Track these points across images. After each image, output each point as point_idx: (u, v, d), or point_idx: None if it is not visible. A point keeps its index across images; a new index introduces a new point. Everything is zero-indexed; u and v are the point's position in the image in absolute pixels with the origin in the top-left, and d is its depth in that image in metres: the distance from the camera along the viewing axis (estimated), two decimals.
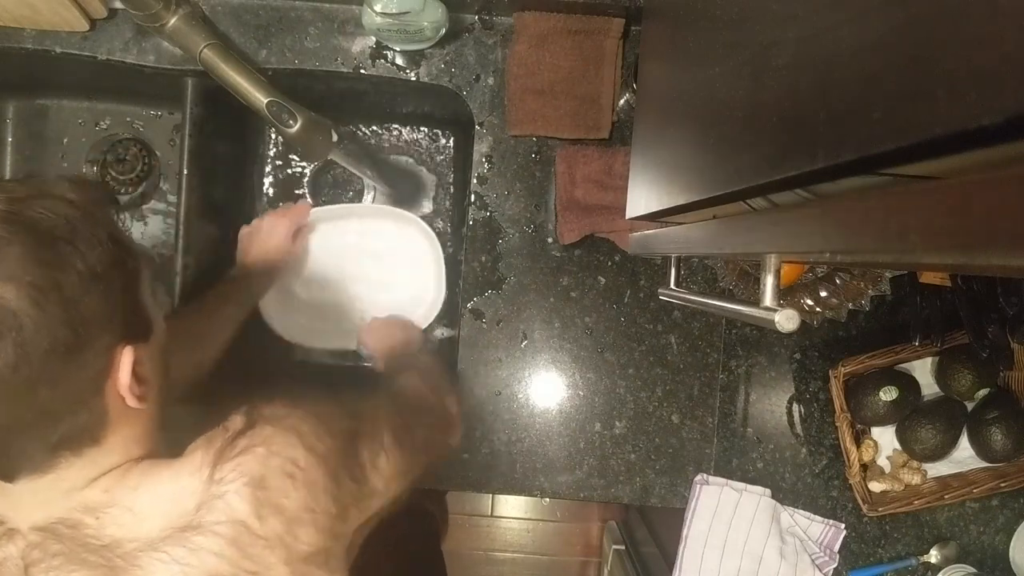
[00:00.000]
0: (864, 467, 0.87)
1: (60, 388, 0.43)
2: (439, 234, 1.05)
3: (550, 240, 0.87)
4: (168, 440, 0.53)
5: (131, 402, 0.47)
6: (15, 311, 0.40)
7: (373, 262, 1.00)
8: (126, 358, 0.46)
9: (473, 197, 0.87)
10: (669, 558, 0.98)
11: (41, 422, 0.43)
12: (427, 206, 1.05)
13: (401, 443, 0.60)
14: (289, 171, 1.04)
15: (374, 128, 1.04)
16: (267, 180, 1.04)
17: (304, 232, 0.96)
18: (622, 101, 0.86)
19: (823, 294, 0.82)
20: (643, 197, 0.56)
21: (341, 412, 0.56)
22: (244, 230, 0.92)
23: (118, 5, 0.81)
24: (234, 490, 0.46)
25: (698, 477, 0.88)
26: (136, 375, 0.47)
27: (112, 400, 0.47)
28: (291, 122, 0.73)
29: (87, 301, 0.43)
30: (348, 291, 1.00)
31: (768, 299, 0.35)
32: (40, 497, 0.46)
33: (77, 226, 0.44)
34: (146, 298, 0.50)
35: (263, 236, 0.90)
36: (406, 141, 1.04)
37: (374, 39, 0.84)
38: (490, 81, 0.86)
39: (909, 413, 0.86)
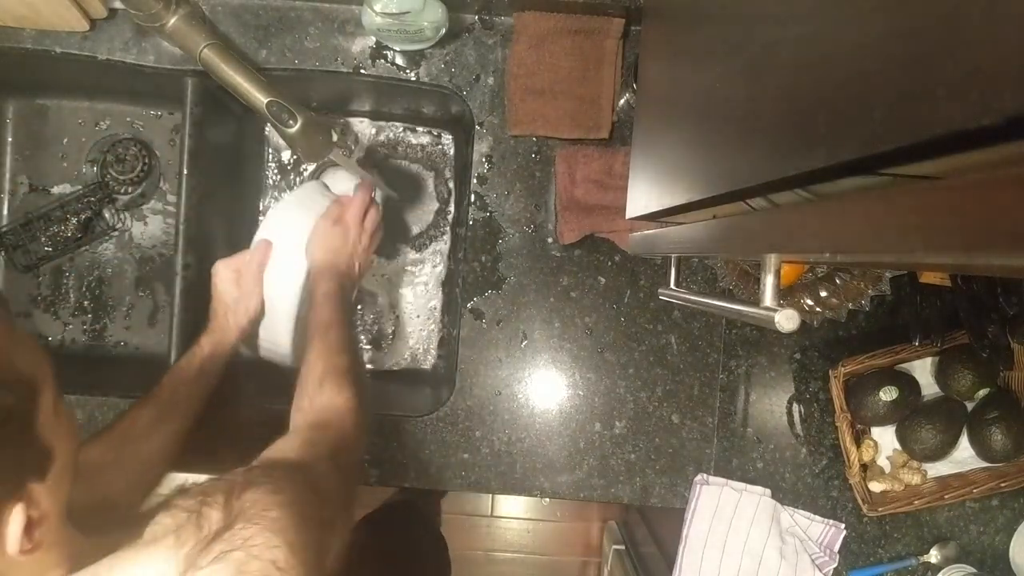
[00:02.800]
0: (864, 467, 0.87)
1: None
2: (439, 234, 1.05)
3: (550, 240, 0.87)
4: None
5: (23, 557, 0.41)
6: None
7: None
8: (14, 524, 0.39)
9: (473, 197, 0.87)
10: (669, 558, 0.98)
11: None
12: (427, 206, 1.05)
13: (348, 506, 0.58)
14: (288, 171, 1.04)
15: (374, 128, 1.04)
16: (266, 180, 1.04)
17: (247, 276, 0.81)
18: (622, 101, 0.86)
19: (823, 294, 0.82)
20: (643, 197, 0.56)
21: (313, 497, 0.51)
22: (226, 276, 0.80)
23: (118, 5, 0.82)
24: None
25: (698, 477, 0.88)
26: (31, 523, 0.40)
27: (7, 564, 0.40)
28: (291, 122, 0.73)
29: None
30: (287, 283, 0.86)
31: (768, 299, 0.35)
32: None
33: None
34: (46, 416, 0.42)
35: (214, 285, 0.81)
36: (406, 141, 1.04)
37: (374, 39, 0.84)
38: (490, 81, 0.86)
39: (909, 413, 0.86)
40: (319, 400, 0.65)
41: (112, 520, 0.52)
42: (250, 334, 0.83)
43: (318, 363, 0.68)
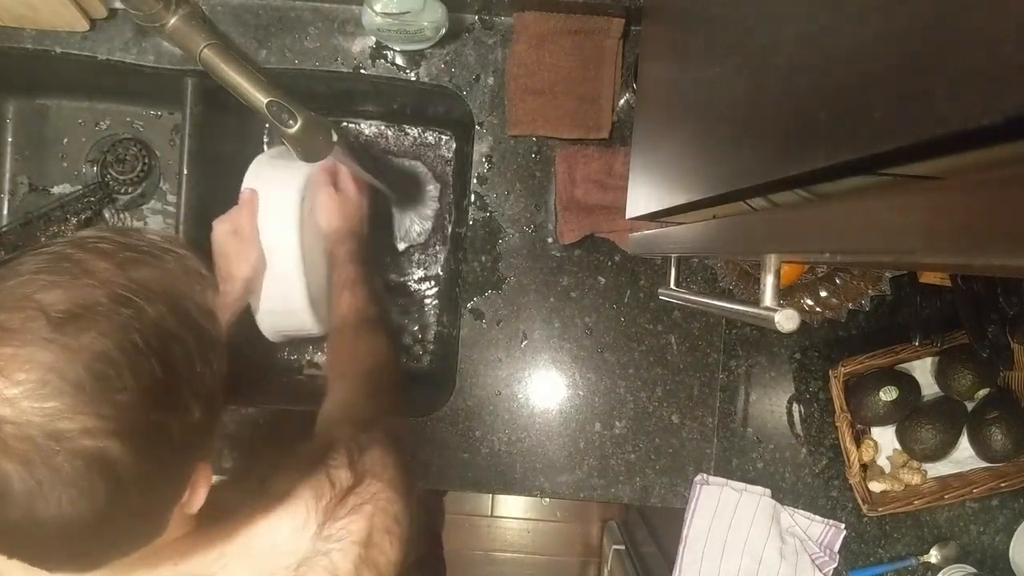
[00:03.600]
0: (864, 467, 0.87)
1: (139, 520, 0.39)
2: (439, 234, 1.05)
3: (550, 240, 0.87)
4: None
5: (192, 511, 0.44)
6: (116, 461, 0.35)
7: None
8: (203, 481, 0.42)
9: (473, 197, 0.87)
10: (669, 558, 0.98)
11: (107, 543, 0.39)
12: (427, 206, 1.05)
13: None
14: None
15: (374, 128, 1.04)
16: None
17: (243, 231, 0.82)
18: (622, 101, 0.86)
19: (823, 294, 0.82)
20: (643, 197, 0.56)
21: (401, 445, 0.57)
22: (223, 230, 0.81)
23: (118, 5, 0.81)
24: (340, 548, 0.46)
25: (698, 477, 0.88)
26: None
27: (176, 516, 0.43)
28: (291, 122, 0.72)
29: (194, 441, 0.39)
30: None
31: (768, 299, 0.35)
32: None
33: (197, 350, 0.39)
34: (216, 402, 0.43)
35: (238, 232, 0.82)
36: (406, 141, 1.04)
37: (374, 39, 0.84)
38: (490, 81, 0.86)
39: (909, 413, 0.86)
40: (361, 347, 0.72)
41: None
42: (255, 286, 0.84)
43: (351, 315, 0.75)
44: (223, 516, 0.47)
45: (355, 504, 0.48)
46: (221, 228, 0.82)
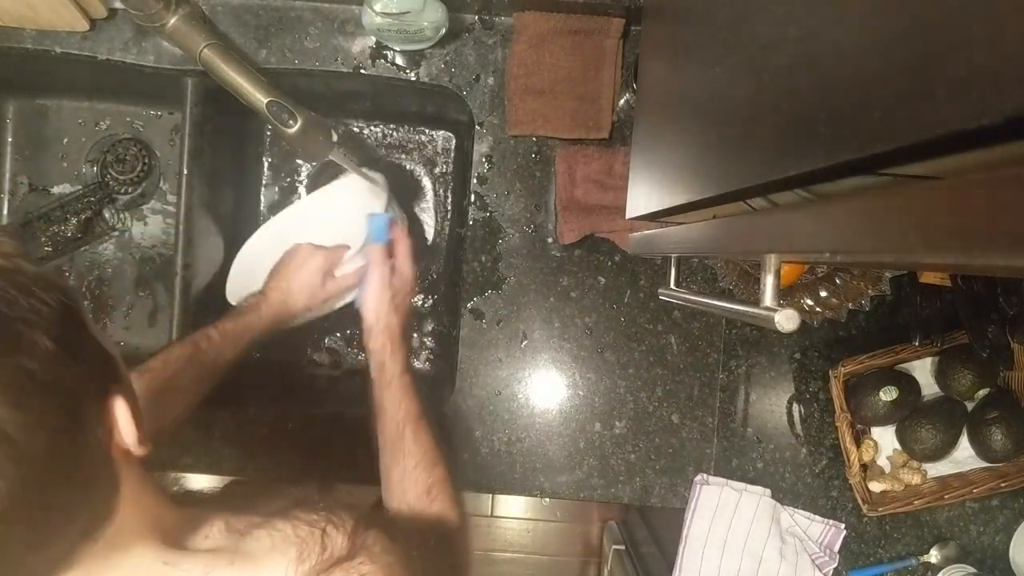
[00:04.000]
0: (864, 467, 0.87)
1: (73, 478, 0.37)
2: (439, 234, 1.05)
3: (550, 240, 0.87)
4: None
5: (139, 450, 0.42)
6: None
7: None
8: (121, 408, 0.41)
9: (473, 197, 0.87)
10: (669, 558, 0.98)
11: (61, 525, 0.37)
12: (427, 206, 1.05)
13: None
14: (289, 171, 1.04)
15: (374, 128, 1.04)
16: (266, 180, 1.04)
17: (337, 281, 0.83)
18: (622, 101, 0.86)
19: (823, 294, 0.82)
20: (643, 197, 0.56)
21: (411, 553, 0.53)
22: (320, 265, 0.80)
23: (118, 5, 0.82)
24: None
25: (698, 477, 0.88)
26: (134, 413, 0.42)
27: (119, 462, 0.41)
28: (291, 122, 0.73)
29: (61, 372, 0.37)
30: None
31: (768, 299, 0.35)
32: None
33: (15, 291, 0.37)
34: (95, 329, 0.43)
35: (296, 264, 0.81)
36: (406, 141, 1.04)
37: (374, 39, 0.84)
38: (490, 81, 0.86)
39: (909, 413, 0.86)
40: (431, 512, 0.66)
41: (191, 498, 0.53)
42: (286, 318, 0.81)
43: (420, 473, 0.67)
44: (194, 543, 0.45)
45: None
46: (318, 261, 0.80)
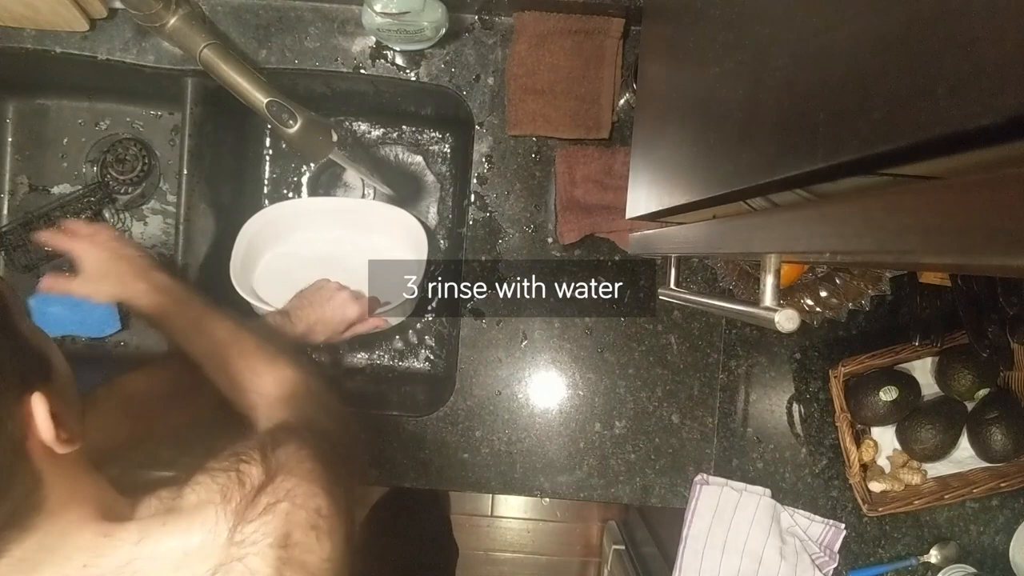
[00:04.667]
0: (864, 467, 0.87)
1: None
2: (439, 234, 1.05)
3: (550, 240, 0.87)
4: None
5: (61, 449, 0.42)
6: None
7: (360, 253, 0.97)
8: (38, 406, 0.40)
9: (473, 197, 0.87)
10: (669, 558, 0.98)
11: None
12: (427, 206, 1.05)
13: (355, 453, 0.60)
14: (289, 171, 1.04)
15: (374, 128, 1.04)
16: (267, 180, 1.04)
17: (356, 329, 0.88)
18: (622, 101, 0.86)
19: (823, 294, 0.82)
20: (643, 197, 0.56)
21: (329, 447, 0.53)
22: (348, 296, 0.86)
23: (118, 5, 0.82)
24: (256, 552, 0.43)
25: (698, 477, 0.88)
26: (55, 418, 0.41)
27: (39, 458, 0.41)
28: (291, 122, 0.73)
29: None
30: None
31: (768, 299, 0.35)
32: None
33: None
34: (27, 329, 0.43)
35: (323, 300, 0.85)
36: (406, 141, 1.04)
37: (374, 39, 0.84)
38: (490, 81, 0.86)
39: (909, 413, 0.86)
40: (292, 382, 0.66)
41: (141, 483, 0.53)
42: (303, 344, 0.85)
43: (239, 360, 0.68)
44: (136, 515, 0.46)
45: (268, 503, 0.44)
46: (351, 313, 0.85)
